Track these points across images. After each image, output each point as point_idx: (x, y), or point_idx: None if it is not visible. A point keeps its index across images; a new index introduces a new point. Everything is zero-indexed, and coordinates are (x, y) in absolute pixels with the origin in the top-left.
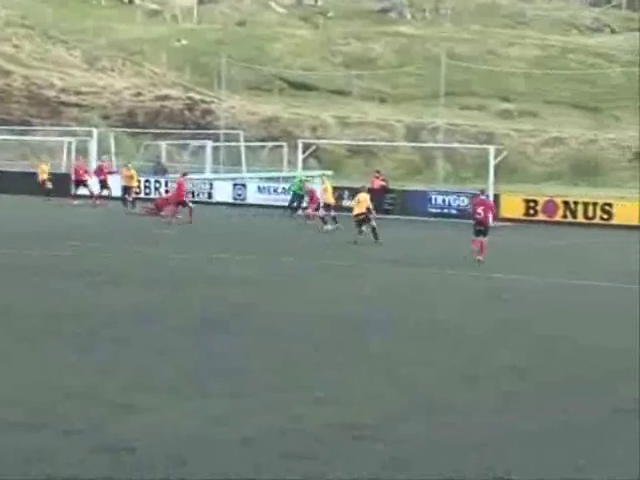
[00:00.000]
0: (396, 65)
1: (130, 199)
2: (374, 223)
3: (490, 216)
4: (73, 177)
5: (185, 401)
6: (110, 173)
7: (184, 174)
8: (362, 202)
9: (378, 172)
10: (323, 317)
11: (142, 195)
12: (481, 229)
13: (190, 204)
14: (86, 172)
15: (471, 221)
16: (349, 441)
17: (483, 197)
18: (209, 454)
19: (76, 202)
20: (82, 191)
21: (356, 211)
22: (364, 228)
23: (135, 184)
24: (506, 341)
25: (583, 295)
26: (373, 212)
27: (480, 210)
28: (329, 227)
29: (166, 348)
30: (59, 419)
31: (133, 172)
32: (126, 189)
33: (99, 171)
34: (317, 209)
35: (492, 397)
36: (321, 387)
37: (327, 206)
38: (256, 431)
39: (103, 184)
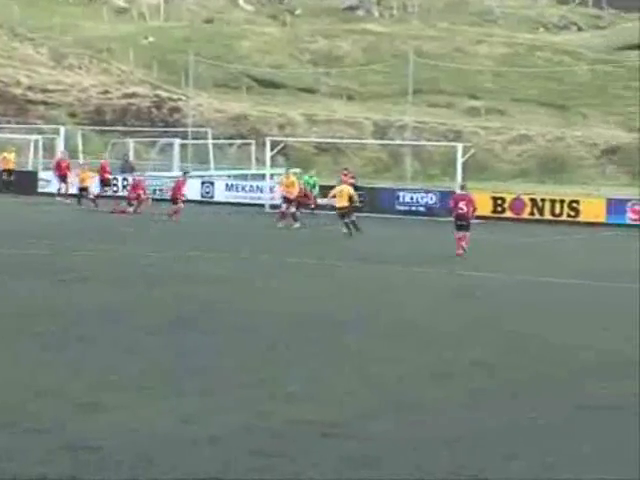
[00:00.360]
0: (364, 63)
1: (91, 197)
2: (354, 217)
3: (471, 210)
4: (56, 172)
5: (154, 399)
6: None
7: (185, 173)
8: (344, 195)
9: (346, 170)
10: (294, 315)
11: (110, 193)
12: (463, 224)
13: (181, 204)
14: (68, 167)
15: (439, 218)
16: (318, 439)
17: (464, 192)
18: (177, 453)
19: (68, 200)
20: (50, 188)
21: (338, 204)
22: (346, 220)
23: (90, 183)
24: (475, 338)
25: (551, 292)
26: (357, 202)
27: (462, 205)
28: (297, 225)
29: (136, 346)
30: (28, 417)
31: (89, 173)
32: (82, 189)
33: (59, 167)
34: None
35: (461, 394)
36: (291, 384)
37: (289, 201)
38: (225, 429)
39: (63, 180)
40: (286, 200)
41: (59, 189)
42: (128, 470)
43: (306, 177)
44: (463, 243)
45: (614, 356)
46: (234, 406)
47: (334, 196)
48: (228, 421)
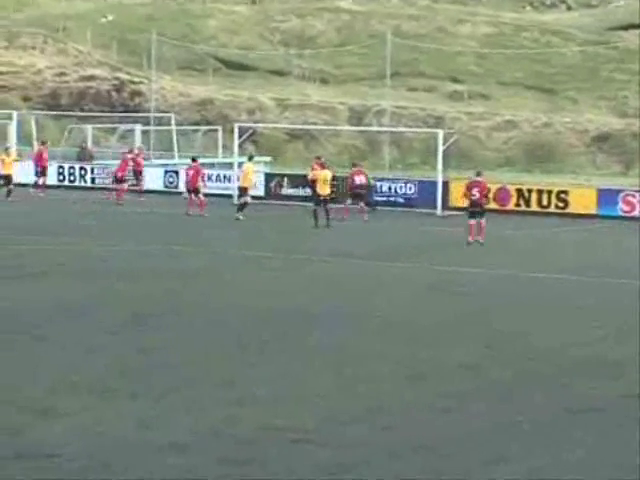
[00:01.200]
0: (338, 44)
1: (11, 186)
2: (328, 207)
3: (484, 198)
4: (35, 163)
5: (116, 402)
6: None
7: (194, 159)
8: (327, 181)
9: (319, 158)
10: (263, 311)
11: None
12: (476, 210)
13: (202, 196)
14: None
15: (419, 210)
16: (289, 445)
17: (478, 178)
18: (138, 460)
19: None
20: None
21: (321, 191)
22: (318, 208)
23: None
24: (457, 337)
25: (538, 288)
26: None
27: (475, 191)
28: (240, 216)
29: (97, 346)
30: None
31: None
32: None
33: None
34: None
35: (443, 397)
36: (259, 386)
37: (243, 190)
38: (191, 434)
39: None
40: (241, 190)
41: (36, 181)
42: (87, 477)
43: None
44: (480, 238)
45: (604, 355)
46: (200, 410)
47: (314, 182)
48: (194, 426)
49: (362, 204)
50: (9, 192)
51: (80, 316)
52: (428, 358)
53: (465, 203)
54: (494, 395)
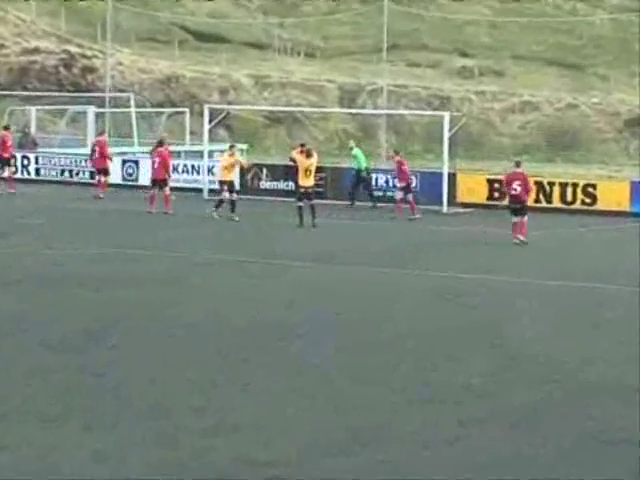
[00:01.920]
0: (327, 11)
1: None
2: (314, 202)
3: (525, 192)
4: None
5: (60, 433)
6: None
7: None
8: (312, 170)
9: (303, 145)
10: (237, 324)
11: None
12: (518, 207)
13: (167, 190)
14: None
15: (421, 206)
16: None
17: (518, 170)
18: None
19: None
20: None
21: (303, 182)
22: (302, 204)
23: None
24: (465, 354)
25: (559, 297)
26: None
27: (516, 185)
28: (215, 215)
29: (37, 367)
30: None
31: None
32: None
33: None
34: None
35: (447, 424)
36: (231, 412)
37: (228, 184)
38: (149, 469)
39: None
40: (223, 184)
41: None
42: None
43: None
44: (521, 236)
45: (626, 376)
46: (162, 441)
47: (296, 170)
48: (154, 459)
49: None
50: None
51: (19, 332)
52: (431, 379)
53: (504, 199)
54: (507, 422)
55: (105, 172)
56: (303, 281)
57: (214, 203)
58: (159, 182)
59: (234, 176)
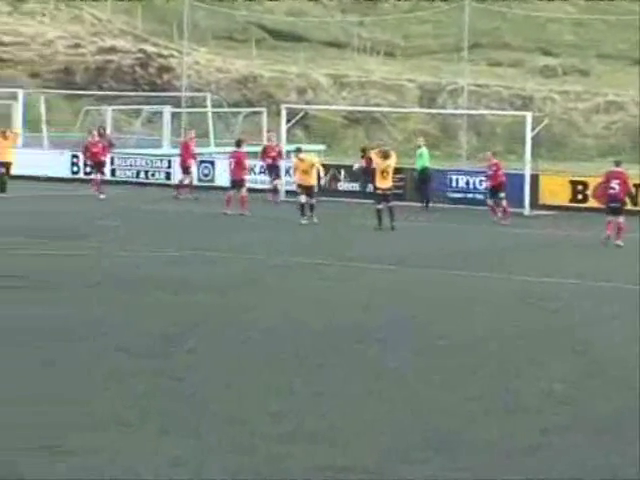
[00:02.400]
0: (407, 9)
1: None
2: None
3: (624, 192)
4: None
5: (135, 438)
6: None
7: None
8: (390, 169)
9: (379, 147)
10: (311, 327)
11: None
12: (616, 206)
13: (244, 191)
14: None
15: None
16: None
17: (617, 169)
18: None
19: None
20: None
21: (381, 184)
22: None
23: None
24: (546, 361)
25: None
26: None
27: (615, 184)
28: (304, 221)
29: (113, 371)
30: None
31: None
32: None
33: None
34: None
35: (529, 433)
36: (308, 417)
37: (305, 188)
38: (225, 475)
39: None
40: (302, 189)
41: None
42: None
43: None
44: (619, 240)
45: None
46: (237, 447)
47: (372, 172)
48: (231, 465)
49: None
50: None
51: (97, 336)
52: (511, 387)
53: (601, 200)
54: (591, 429)
55: (186, 171)
56: (380, 284)
57: (298, 210)
58: (237, 183)
59: (312, 180)
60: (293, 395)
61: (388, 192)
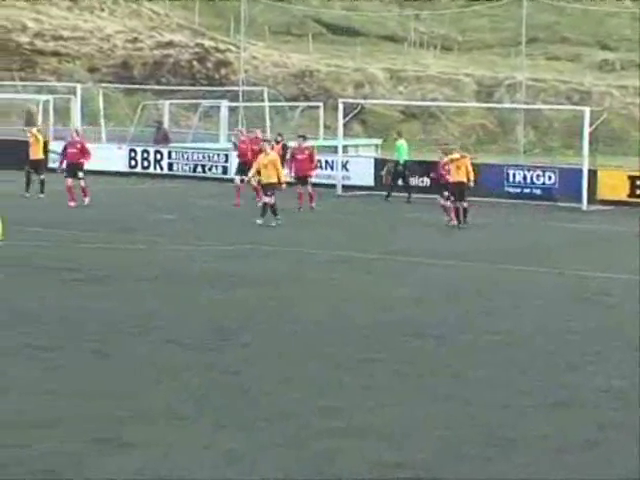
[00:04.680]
0: (464, 4)
1: (42, 177)
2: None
3: None
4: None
5: (189, 433)
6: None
7: (303, 137)
8: (465, 164)
9: (446, 144)
10: (362, 322)
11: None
12: None
13: (310, 186)
14: None
15: (560, 203)
16: None
17: None
18: None
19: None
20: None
21: (456, 177)
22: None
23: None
24: (603, 357)
25: None
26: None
27: None
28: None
29: (167, 365)
30: (29, 456)
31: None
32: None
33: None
34: None
35: (584, 429)
36: (360, 412)
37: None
38: (282, 472)
39: None
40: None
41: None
42: None
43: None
44: None
45: None
46: (291, 442)
47: (445, 164)
48: (284, 461)
49: None
50: (42, 185)
51: (151, 330)
52: (569, 382)
53: None
54: None
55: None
56: (435, 279)
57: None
58: (303, 178)
59: (272, 177)
60: (344, 390)
61: (463, 188)
